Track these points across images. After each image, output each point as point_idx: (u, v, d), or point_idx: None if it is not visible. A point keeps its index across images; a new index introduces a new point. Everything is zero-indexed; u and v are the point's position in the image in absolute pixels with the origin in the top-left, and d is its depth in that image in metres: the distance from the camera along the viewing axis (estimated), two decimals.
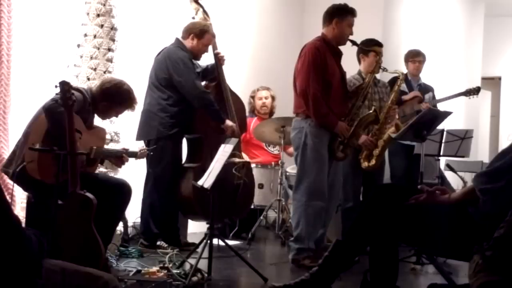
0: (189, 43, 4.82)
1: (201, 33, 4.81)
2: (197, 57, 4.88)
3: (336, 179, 4.54)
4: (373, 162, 4.93)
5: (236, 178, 4.90)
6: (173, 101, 4.70)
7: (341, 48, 4.55)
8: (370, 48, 4.87)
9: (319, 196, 4.32)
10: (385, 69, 5.07)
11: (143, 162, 4.63)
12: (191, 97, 4.71)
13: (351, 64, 4.97)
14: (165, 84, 4.70)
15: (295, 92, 4.47)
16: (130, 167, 4.67)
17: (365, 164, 4.94)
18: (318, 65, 4.30)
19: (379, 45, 5.03)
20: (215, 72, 5.03)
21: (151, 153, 4.38)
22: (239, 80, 5.62)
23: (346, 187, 5.02)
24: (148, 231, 4.69)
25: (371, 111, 4.58)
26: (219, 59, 4.99)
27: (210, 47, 4.95)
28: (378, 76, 5.27)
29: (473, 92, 5.88)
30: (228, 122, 4.86)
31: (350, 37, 4.47)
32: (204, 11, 5.08)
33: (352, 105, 4.53)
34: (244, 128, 5.36)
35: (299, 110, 4.42)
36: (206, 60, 5.08)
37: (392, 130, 4.87)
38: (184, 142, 4.97)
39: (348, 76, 4.81)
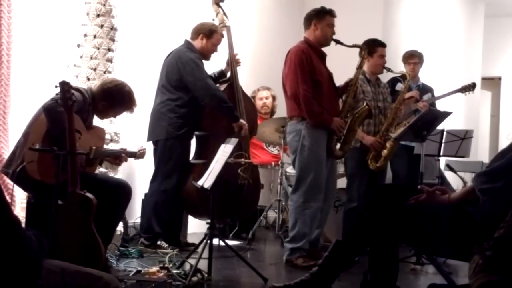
0: (198, 43, 4.84)
1: (210, 33, 4.84)
2: (207, 57, 4.90)
3: (331, 179, 4.54)
4: (381, 163, 4.94)
5: (241, 178, 4.91)
6: (182, 102, 4.72)
7: (330, 49, 4.56)
8: (363, 48, 4.83)
9: (316, 197, 4.33)
10: (389, 70, 5.08)
11: (144, 162, 4.63)
12: (204, 96, 4.72)
13: (339, 64, 4.93)
14: (176, 85, 4.72)
15: (286, 96, 4.49)
16: (130, 167, 4.68)
17: (373, 165, 4.95)
18: (304, 66, 4.32)
19: (383, 45, 5.04)
20: (227, 74, 5.10)
21: (158, 152, 4.37)
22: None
23: (351, 188, 5.03)
24: (150, 230, 4.68)
25: (364, 106, 4.58)
26: (235, 61, 5.05)
27: (221, 48, 4.98)
28: (381, 76, 5.27)
29: (468, 88, 5.85)
30: (242, 121, 4.88)
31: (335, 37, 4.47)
32: (224, 13, 5.14)
33: (344, 102, 4.54)
34: (254, 131, 5.34)
35: (293, 113, 4.43)
36: (216, 59, 5.08)
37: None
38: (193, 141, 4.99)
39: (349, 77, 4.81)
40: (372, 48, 4.94)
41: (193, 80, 4.67)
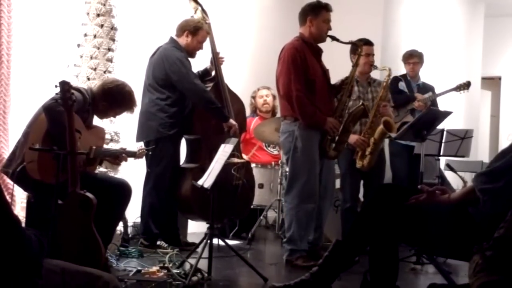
0: (183, 40, 4.80)
1: (195, 30, 4.79)
2: (192, 55, 4.85)
3: (329, 179, 4.51)
4: (366, 160, 4.89)
5: (235, 178, 4.90)
6: (171, 101, 4.68)
7: (326, 45, 4.50)
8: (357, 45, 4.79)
9: (310, 199, 4.29)
10: (374, 67, 5.05)
11: (143, 162, 4.63)
12: (191, 97, 4.71)
13: (336, 60, 4.89)
14: (163, 84, 4.68)
15: (279, 96, 4.44)
16: (130, 167, 4.68)
17: (359, 163, 4.92)
18: (298, 65, 4.24)
19: (369, 43, 4.99)
20: (211, 73, 5.04)
21: (150, 153, 4.38)
22: (239, 80, 5.61)
23: (344, 188, 5.02)
24: (148, 231, 4.69)
25: (359, 105, 4.53)
26: (218, 60, 4.99)
27: (206, 46, 4.95)
28: (373, 75, 5.25)
29: (463, 87, 5.87)
30: (232, 121, 4.86)
31: (330, 33, 4.39)
32: (203, 10, 5.07)
33: (339, 101, 4.48)
34: (244, 128, 5.34)
35: (285, 113, 4.38)
36: (200, 58, 5.07)
37: (380, 128, 4.83)
38: (183, 142, 4.97)
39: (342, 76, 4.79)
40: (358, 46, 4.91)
41: (179, 80, 4.63)
